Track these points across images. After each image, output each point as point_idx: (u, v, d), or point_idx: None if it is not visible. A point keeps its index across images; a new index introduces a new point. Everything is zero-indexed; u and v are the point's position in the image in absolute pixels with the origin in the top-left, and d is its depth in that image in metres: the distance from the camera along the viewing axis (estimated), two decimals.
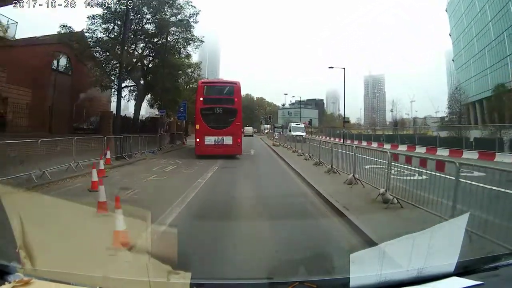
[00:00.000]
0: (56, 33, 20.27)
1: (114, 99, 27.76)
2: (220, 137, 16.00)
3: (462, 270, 1.62)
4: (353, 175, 8.20)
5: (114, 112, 30.28)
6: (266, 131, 60.25)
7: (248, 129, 69.52)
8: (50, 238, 1.86)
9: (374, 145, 29.78)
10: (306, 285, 1.53)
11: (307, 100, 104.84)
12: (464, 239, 1.69)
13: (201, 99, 16.55)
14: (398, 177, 6.50)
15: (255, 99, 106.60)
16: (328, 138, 41.32)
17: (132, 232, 1.80)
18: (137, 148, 15.96)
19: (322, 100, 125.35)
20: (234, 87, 17.25)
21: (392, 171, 6.48)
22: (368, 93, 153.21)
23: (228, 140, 16.05)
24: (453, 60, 54.65)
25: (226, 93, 17.24)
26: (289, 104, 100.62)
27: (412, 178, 6.21)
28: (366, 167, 8.21)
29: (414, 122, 48.53)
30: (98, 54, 22.61)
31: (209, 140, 15.98)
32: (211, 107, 16.38)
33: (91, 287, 1.42)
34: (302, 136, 25.73)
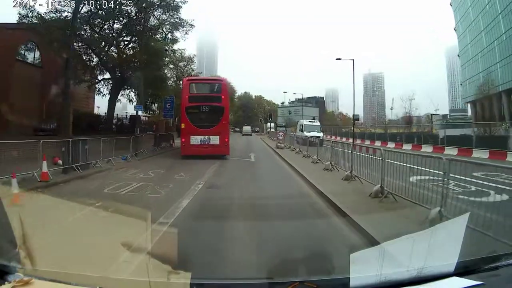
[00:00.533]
0: (17, 15, 16.82)
1: (96, 96, 24.43)
2: (206, 137, 15.22)
3: (462, 270, 1.62)
4: (440, 209, 4.68)
5: (98, 110, 27.08)
6: (268, 130, 56.36)
7: (247, 128, 67.35)
8: (50, 238, 1.86)
9: (391, 145, 25.87)
10: (306, 285, 1.53)
11: (307, 98, 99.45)
12: (464, 239, 1.69)
13: (187, 97, 15.79)
14: None
15: (254, 97, 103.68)
16: (334, 138, 36.92)
17: (132, 232, 1.80)
18: (99, 155, 12.04)
19: (323, 98, 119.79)
20: (221, 85, 16.71)
21: None
22: (368, 91, 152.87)
23: (215, 139, 15.24)
24: (458, 56, 52.85)
25: (213, 91, 16.51)
26: (289, 102, 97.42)
27: None
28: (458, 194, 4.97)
29: (431, 118, 45.23)
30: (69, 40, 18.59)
31: (195, 139, 15.16)
32: (197, 105, 15.66)
33: (91, 287, 1.42)
34: (319, 137, 19.83)
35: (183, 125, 15.75)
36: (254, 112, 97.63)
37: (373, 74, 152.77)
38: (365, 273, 1.53)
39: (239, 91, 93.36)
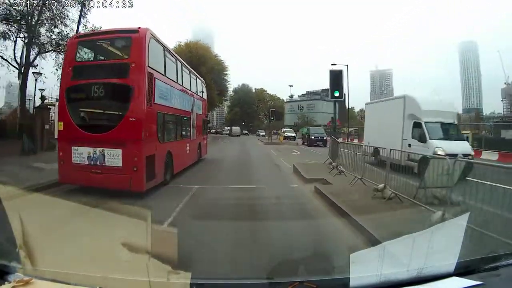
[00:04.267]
0: None
1: None
2: (98, 150, 7.50)
3: (462, 270, 1.62)
4: None
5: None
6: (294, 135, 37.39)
7: (235, 129, 58.64)
8: (50, 238, 1.87)
9: (493, 157, 16.67)
10: (306, 285, 1.53)
11: (322, 90, 74.11)
12: (464, 239, 1.70)
13: (69, 69, 8.12)
14: None
15: (254, 90, 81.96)
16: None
17: (132, 232, 1.80)
18: None
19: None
20: (131, 40, 7.94)
21: None
22: (375, 88, 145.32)
23: (114, 157, 7.44)
24: None
25: (115, 54, 8.72)
26: (299, 96, 76.19)
27: None
28: None
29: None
30: None
31: (79, 155, 7.63)
32: (85, 84, 7.85)
33: (91, 287, 1.42)
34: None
35: (60, 125, 8.05)
36: (254, 108, 79.50)
37: (381, 71, 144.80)
38: (365, 273, 1.53)
39: (235, 82, 75.49)
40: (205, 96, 16.31)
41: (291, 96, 73.72)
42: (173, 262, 1.59)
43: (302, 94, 75.03)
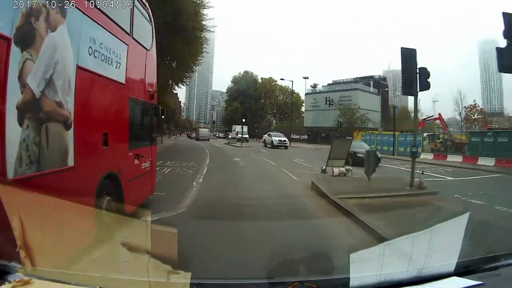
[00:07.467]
0: None
1: None
2: None
3: (462, 270, 1.63)
4: None
5: None
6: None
7: (203, 131, 47.60)
8: (50, 238, 1.87)
9: None
10: (306, 285, 1.53)
11: (357, 78, 50.15)
12: (464, 239, 1.70)
13: None
14: None
15: (260, 80, 62.84)
16: None
17: (132, 232, 1.80)
18: None
19: (385, 79, 61.63)
20: None
21: None
22: (388, 89, 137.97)
23: None
24: None
25: None
26: (324, 86, 51.85)
27: None
28: None
29: None
30: None
31: None
32: None
33: (91, 287, 1.42)
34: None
35: None
36: (261, 104, 60.21)
37: (395, 71, 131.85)
38: (365, 273, 1.53)
39: (235, 70, 56.94)
40: (147, 42, 6.14)
41: (314, 86, 50.41)
42: (173, 262, 1.59)
43: (328, 84, 52.45)
